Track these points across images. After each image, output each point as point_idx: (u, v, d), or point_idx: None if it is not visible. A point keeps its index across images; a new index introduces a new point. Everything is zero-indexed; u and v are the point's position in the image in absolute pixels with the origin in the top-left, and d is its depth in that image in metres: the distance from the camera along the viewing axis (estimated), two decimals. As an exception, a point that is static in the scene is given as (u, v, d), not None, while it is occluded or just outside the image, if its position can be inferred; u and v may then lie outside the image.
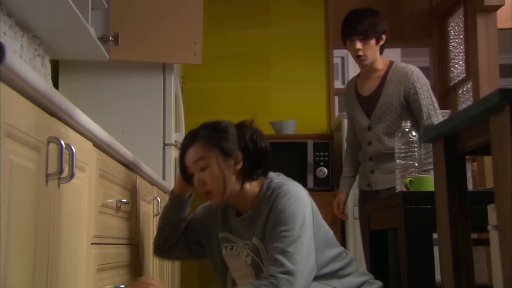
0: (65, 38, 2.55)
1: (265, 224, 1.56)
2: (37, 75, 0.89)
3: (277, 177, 1.66)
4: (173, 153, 2.98)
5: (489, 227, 0.95)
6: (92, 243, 1.29)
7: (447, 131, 0.99)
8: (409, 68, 2.54)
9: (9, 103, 0.82)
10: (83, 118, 1.15)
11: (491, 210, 0.94)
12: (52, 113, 1.01)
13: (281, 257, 1.46)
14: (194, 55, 2.96)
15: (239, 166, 1.61)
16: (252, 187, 1.64)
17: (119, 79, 2.97)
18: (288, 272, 1.44)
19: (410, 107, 2.53)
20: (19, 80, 0.83)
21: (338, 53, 4.65)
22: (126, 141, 2.68)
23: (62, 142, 1.00)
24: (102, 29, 2.86)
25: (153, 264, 2.12)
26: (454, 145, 1.01)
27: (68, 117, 1.07)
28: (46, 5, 2.18)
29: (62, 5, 2.18)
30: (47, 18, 2.34)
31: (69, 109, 1.05)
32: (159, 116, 2.95)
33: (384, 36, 2.57)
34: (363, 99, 2.65)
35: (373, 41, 2.52)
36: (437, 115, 2.49)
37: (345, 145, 2.90)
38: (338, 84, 4.88)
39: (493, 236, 0.91)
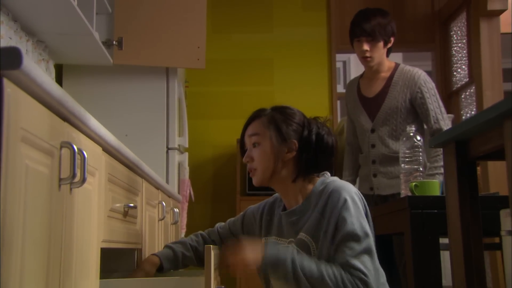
0: (69, 42, 2.56)
1: (318, 221, 1.50)
2: (52, 81, 0.89)
3: (331, 177, 1.60)
4: (177, 158, 2.98)
5: (503, 233, 0.95)
6: (101, 248, 1.29)
7: (458, 136, 0.99)
8: (415, 72, 2.52)
9: (25, 109, 0.82)
10: (94, 123, 1.15)
11: (504, 215, 0.94)
12: (64, 118, 1.01)
13: (357, 263, 1.41)
14: (198, 59, 2.96)
15: (290, 155, 1.55)
16: (305, 183, 1.59)
17: (122, 84, 2.97)
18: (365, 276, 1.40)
19: (415, 111, 2.51)
20: (35, 86, 0.83)
21: (340, 57, 4.67)
22: (129, 145, 2.66)
23: (75, 147, 1.00)
24: (106, 34, 2.87)
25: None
26: (465, 150, 1.01)
27: (79, 122, 1.07)
28: (52, 10, 2.19)
29: (67, 10, 2.18)
30: (53, 23, 2.34)
31: (81, 114, 1.05)
32: (162, 120, 2.95)
33: (392, 39, 2.53)
34: (367, 100, 2.60)
35: (381, 44, 2.50)
36: (445, 119, 2.47)
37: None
38: (340, 88, 4.89)
39: (507, 242, 0.91)
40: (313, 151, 1.56)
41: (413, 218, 1.74)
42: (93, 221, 1.22)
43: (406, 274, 1.82)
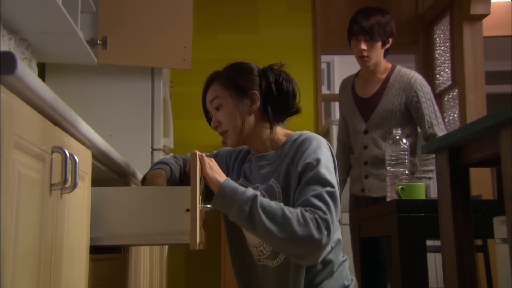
0: (53, 41, 2.52)
1: (288, 168, 1.46)
2: (44, 85, 0.88)
3: (308, 131, 1.57)
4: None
5: (497, 240, 0.96)
6: (90, 253, 1.27)
7: (451, 143, 1.00)
8: (412, 75, 2.48)
9: (18, 114, 0.81)
10: (84, 127, 1.13)
11: (498, 223, 0.95)
12: (55, 122, 1.00)
13: (318, 202, 1.35)
14: (184, 59, 2.94)
15: (255, 106, 1.52)
16: (279, 135, 1.56)
17: (107, 83, 2.93)
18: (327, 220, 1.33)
19: (410, 114, 2.47)
20: (28, 90, 0.82)
21: (324, 59, 4.68)
22: (114, 146, 2.64)
23: (67, 152, 0.98)
24: (90, 33, 2.82)
25: (144, 272, 2.10)
26: (458, 157, 1.02)
27: (70, 126, 1.05)
28: (36, 8, 2.15)
29: (51, 8, 2.15)
30: (36, 21, 2.30)
31: (72, 118, 1.04)
32: (147, 120, 2.92)
33: (391, 40, 2.48)
34: (362, 100, 2.56)
35: (379, 44, 2.45)
36: (439, 124, 2.43)
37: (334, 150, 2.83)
38: (323, 90, 4.90)
39: (501, 249, 0.92)
40: (276, 98, 1.53)
41: (400, 222, 1.75)
42: (82, 226, 1.21)
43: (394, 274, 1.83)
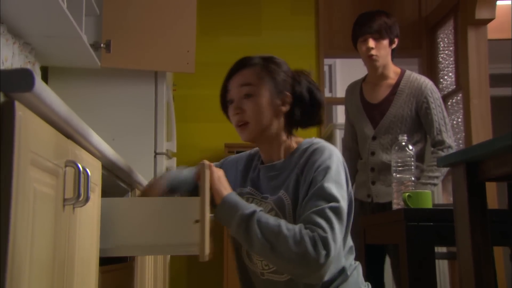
0: (57, 45, 2.50)
1: (298, 179, 1.39)
2: (59, 99, 0.86)
3: (318, 139, 1.49)
4: (165, 163, 2.95)
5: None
6: (100, 265, 1.25)
7: (469, 158, 0.99)
8: (423, 81, 2.46)
9: (35, 131, 0.79)
10: (96, 139, 1.12)
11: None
12: (68, 135, 0.98)
13: (319, 219, 1.27)
14: (187, 63, 2.92)
15: (284, 109, 1.44)
16: (291, 141, 1.48)
17: (110, 87, 2.92)
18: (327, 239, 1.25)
19: (420, 120, 2.45)
20: (43, 106, 0.80)
21: (326, 62, 4.66)
22: (116, 150, 2.61)
23: (80, 166, 0.96)
24: (93, 36, 2.81)
25: (148, 279, 2.08)
26: (475, 171, 1.01)
27: (83, 139, 1.04)
28: (41, 13, 2.13)
29: (56, 13, 2.13)
30: (41, 25, 2.28)
31: (85, 131, 1.02)
32: (150, 124, 2.90)
33: (397, 40, 2.47)
34: (370, 106, 2.52)
35: (386, 42, 2.43)
36: (448, 131, 2.42)
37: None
38: (326, 93, 4.89)
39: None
40: (307, 105, 1.45)
41: (408, 231, 1.74)
42: (92, 237, 1.19)
43: (402, 284, 1.82)
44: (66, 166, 0.95)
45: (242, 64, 1.46)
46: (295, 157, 1.43)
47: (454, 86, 3.56)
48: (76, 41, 2.45)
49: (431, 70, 3.92)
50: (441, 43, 3.85)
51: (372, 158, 2.48)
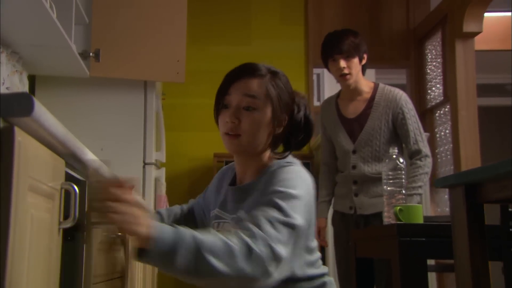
0: (45, 54, 2.46)
1: (257, 198, 1.26)
2: (56, 121, 0.84)
3: (291, 159, 1.37)
4: (154, 173, 2.92)
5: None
6: (93, 283, 1.23)
7: (468, 181, 0.99)
8: (397, 92, 2.53)
9: (33, 155, 0.77)
10: (90, 157, 1.10)
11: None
12: (63, 156, 0.96)
13: (267, 225, 1.11)
14: (177, 73, 2.90)
15: (278, 130, 1.34)
16: (266, 160, 1.36)
17: (98, 96, 2.88)
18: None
19: (396, 131, 2.51)
20: (42, 130, 0.78)
21: (314, 71, 4.67)
22: (105, 160, 2.61)
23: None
24: (82, 45, 2.77)
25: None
26: (473, 193, 1.01)
27: (78, 159, 1.02)
28: (30, 22, 2.10)
29: (46, 22, 2.10)
30: (30, 35, 2.25)
31: (80, 151, 1.00)
32: (139, 134, 2.87)
33: (365, 56, 2.55)
34: (348, 121, 2.57)
35: (356, 59, 2.49)
36: (423, 140, 2.48)
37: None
38: (314, 102, 4.90)
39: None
40: (299, 132, 1.37)
41: (401, 246, 1.74)
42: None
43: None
44: (62, 188, 0.93)
45: (250, 71, 1.32)
46: (262, 179, 1.30)
47: (442, 98, 3.59)
48: (65, 51, 2.42)
49: (419, 81, 3.95)
50: (429, 54, 3.88)
51: (354, 172, 2.53)
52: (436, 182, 1.18)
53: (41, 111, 0.74)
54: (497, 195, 0.92)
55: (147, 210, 1.06)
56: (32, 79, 2.82)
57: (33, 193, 0.78)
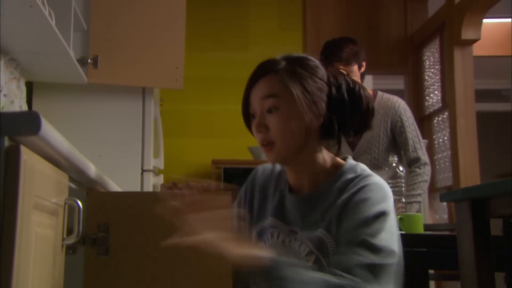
0: (43, 61, 2.45)
1: (339, 215, 1.09)
2: (61, 137, 0.83)
3: (363, 166, 1.20)
4: (152, 180, 2.90)
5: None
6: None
7: (475, 196, 0.98)
8: (395, 100, 2.54)
9: (38, 173, 0.76)
10: (93, 172, 1.08)
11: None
12: (66, 170, 0.95)
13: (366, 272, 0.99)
14: (176, 79, 2.89)
15: (317, 123, 1.14)
16: (327, 162, 1.18)
17: (96, 102, 2.86)
18: None
19: (394, 139, 2.53)
20: (48, 147, 0.77)
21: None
22: (103, 167, 2.57)
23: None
24: (80, 51, 2.76)
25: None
26: (479, 208, 1.00)
27: (82, 173, 1.00)
28: (29, 30, 2.09)
29: (45, 30, 2.09)
30: (28, 42, 2.23)
31: (84, 165, 0.99)
32: (137, 141, 2.86)
33: (364, 64, 2.55)
34: None
35: (355, 67, 2.50)
36: (422, 148, 2.50)
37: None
38: (311, 107, 4.88)
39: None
40: (347, 112, 1.16)
41: (403, 256, 1.73)
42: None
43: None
44: (65, 203, 0.92)
45: (264, 69, 1.17)
46: (335, 188, 1.13)
47: (440, 104, 3.59)
48: (63, 57, 2.40)
49: (417, 88, 3.96)
50: (426, 61, 3.88)
51: None
52: (442, 197, 1.18)
53: (48, 129, 0.73)
54: (503, 210, 0.92)
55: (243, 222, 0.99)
56: (29, 86, 2.80)
57: (38, 211, 0.77)
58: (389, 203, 1.08)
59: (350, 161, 1.19)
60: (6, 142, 0.68)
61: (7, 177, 0.67)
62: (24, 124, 0.68)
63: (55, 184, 0.86)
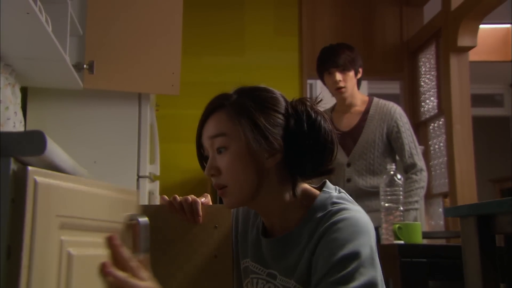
0: (38, 66, 2.43)
1: (310, 262, 1.00)
2: (65, 155, 0.81)
3: (336, 194, 1.08)
4: (147, 186, 2.88)
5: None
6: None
7: (481, 212, 0.98)
8: (391, 106, 2.55)
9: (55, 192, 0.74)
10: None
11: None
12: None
13: None
14: (172, 85, 2.88)
15: (272, 161, 1.03)
16: (297, 199, 1.07)
17: (92, 108, 2.84)
18: None
19: (390, 144, 2.54)
20: (53, 165, 0.75)
21: (307, 82, 4.67)
22: (98, 173, 2.57)
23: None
24: (76, 57, 2.74)
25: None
26: (487, 225, 1.00)
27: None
28: (25, 36, 2.07)
29: (41, 36, 2.07)
30: (24, 48, 2.22)
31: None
32: (133, 147, 2.84)
33: (361, 70, 2.58)
34: (342, 134, 2.61)
35: (352, 73, 2.53)
36: (418, 154, 2.51)
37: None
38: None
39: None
40: (307, 147, 1.03)
41: (403, 266, 1.73)
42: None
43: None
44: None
45: (213, 105, 1.07)
46: (306, 229, 1.04)
47: (436, 111, 3.60)
48: (59, 63, 2.38)
49: (413, 94, 3.97)
50: (422, 67, 3.89)
51: (348, 185, 2.54)
52: (447, 212, 1.17)
53: (53, 148, 0.72)
54: (509, 228, 0.91)
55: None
56: (24, 91, 2.77)
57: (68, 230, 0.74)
58: (362, 239, 0.96)
59: (324, 192, 1.07)
60: (12, 164, 0.66)
61: (20, 198, 0.65)
62: (30, 143, 0.67)
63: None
